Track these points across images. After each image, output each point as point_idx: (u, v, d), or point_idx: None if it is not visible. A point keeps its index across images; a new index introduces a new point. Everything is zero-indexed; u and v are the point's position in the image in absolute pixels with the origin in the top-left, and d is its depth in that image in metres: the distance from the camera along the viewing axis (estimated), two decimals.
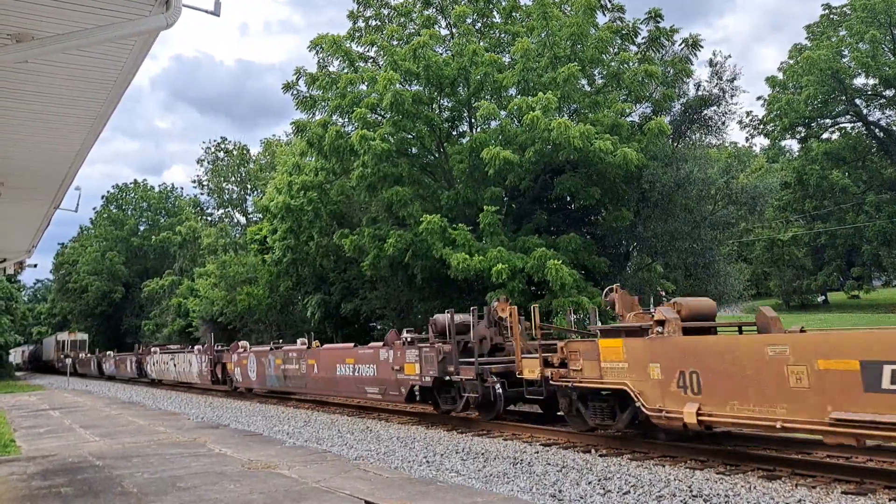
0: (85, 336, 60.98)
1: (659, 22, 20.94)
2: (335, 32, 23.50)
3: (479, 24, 23.74)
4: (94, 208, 71.54)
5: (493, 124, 21.04)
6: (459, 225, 18.89)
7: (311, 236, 26.42)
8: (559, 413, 11.36)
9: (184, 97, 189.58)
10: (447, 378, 12.81)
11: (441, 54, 21.57)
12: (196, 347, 28.52)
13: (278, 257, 28.68)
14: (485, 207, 18.95)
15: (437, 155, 23.21)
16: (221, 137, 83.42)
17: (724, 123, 21.75)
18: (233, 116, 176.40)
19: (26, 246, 14.76)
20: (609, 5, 21.42)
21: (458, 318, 13.20)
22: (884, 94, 42.40)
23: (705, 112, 21.56)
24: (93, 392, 29.75)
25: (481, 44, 21.63)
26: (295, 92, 23.81)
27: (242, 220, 57.32)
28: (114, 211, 70.08)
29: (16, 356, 72.24)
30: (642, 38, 21.27)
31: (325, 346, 19.01)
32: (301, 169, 25.67)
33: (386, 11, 24.54)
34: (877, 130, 44.08)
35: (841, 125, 46.49)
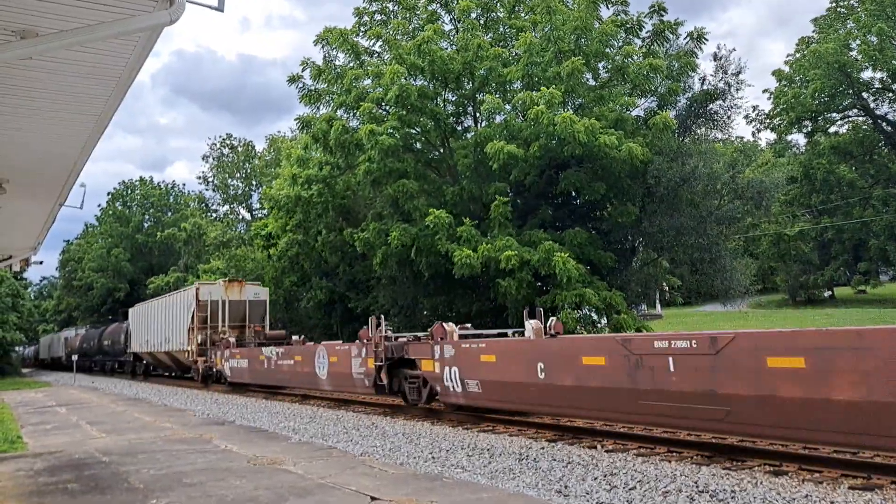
0: (265, 292, 27.38)
1: (663, 15, 20.86)
2: (341, 26, 23.51)
3: (483, 19, 23.70)
4: (98, 205, 71.80)
5: (498, 119, 21.01)
6: (465, 220, 18.86)
7: (319, 231, 26.41)
8: None
9: (185, 92, 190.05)
10: None
11: (446, 49, 21.53)
12: (303, 338, 19.66)
13: (283, 248, 28.41)
14: (497, 198, 18.92)
15: (441, 150, 23.19)
16: (227, 134, 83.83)
17: (729, 118, 21.72)
18: (235, 111, 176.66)
19: (32, 243, 14.80)
20: None
21: None
22: (892, 87, 42.08)
23: (710, 106, 21.46)
24: (99, 388, 29.87)
25: (486, 37, 21.57)
26: (301, 85, 23.79)
27: (248, 216, 57.49)
28: (119, 208, 70.23)
29: (57, 347, 59.80)
30: (646, 32, 21.20)
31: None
32: (306, 163, 25.67)
33: (391, 6, 24.52)
34: (884, 124, 43.77)
35: (848, 119, 46.22)
